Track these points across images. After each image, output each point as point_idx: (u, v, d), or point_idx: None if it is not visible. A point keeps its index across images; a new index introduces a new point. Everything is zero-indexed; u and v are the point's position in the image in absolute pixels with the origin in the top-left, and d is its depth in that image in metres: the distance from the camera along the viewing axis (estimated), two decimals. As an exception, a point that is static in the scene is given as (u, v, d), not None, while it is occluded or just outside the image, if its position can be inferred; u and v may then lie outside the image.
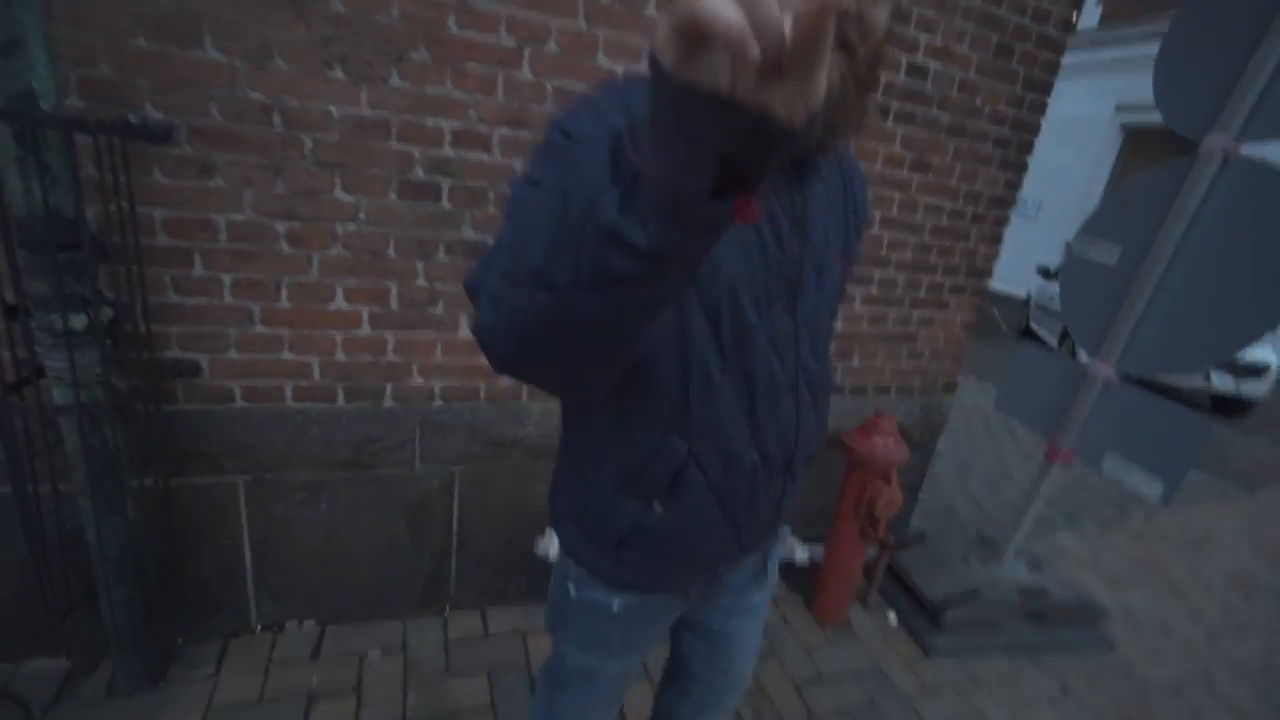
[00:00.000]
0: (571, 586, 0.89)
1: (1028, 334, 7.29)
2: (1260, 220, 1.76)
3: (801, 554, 2.20)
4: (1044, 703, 1.98)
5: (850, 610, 2.22)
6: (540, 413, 1.82)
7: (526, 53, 1.49)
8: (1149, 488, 1.93)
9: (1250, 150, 1.78)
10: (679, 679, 1.12)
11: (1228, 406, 5.69)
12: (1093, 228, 2.17)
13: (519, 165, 1.58)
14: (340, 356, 1.60)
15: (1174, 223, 1.90)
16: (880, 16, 0.58)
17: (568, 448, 0.86)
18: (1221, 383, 5.38)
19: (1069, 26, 2.15)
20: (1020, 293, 9.74)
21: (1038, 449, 4.00)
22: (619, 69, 1.57)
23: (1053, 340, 6.52)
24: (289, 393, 1.60)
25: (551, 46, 1.51)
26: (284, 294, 1.51)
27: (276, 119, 1.38)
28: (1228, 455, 4.76)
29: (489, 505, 1.87)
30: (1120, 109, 9.28)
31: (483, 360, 1.70)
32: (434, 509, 1.82)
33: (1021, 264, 8.94)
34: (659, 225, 0.38)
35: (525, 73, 1.51)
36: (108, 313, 1.33)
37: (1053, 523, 3.22)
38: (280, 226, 1.46)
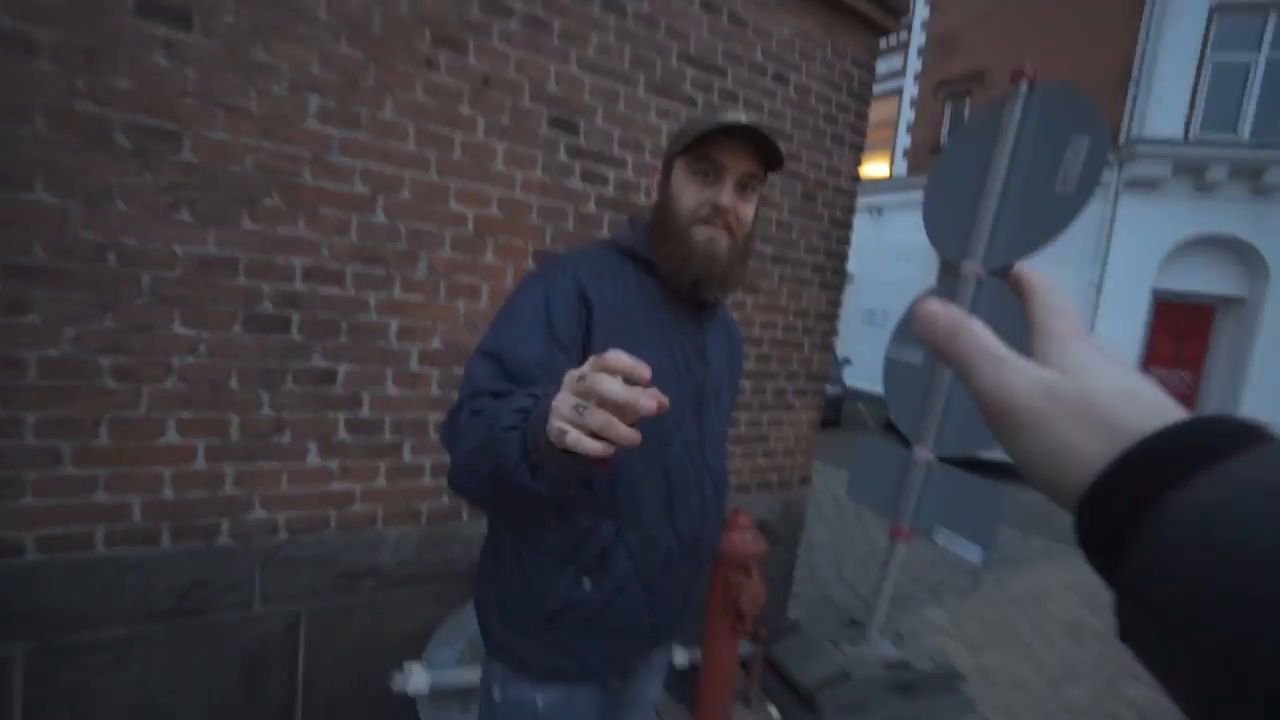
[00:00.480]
0: (496, 690, 0.96)
1: (890, 427, 8.07)
2: (1008, 324, 2.19)
3: (680, 656, 2.19)
4: (916, 783, 2.03)
5: (734, 710, 2.21)
6: (397, 538, 1.77)
7: (380, 199, 1.62)
8: (970, 553, 2.18)
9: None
10: None
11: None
12: (900, 335, 2.57)
13: (372, 298, 1.65)
14: (168, 494, 1.50)
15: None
16: (748, 211, 0.91)
17: (498, 545, 0.97)
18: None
19: (856, 180, 2.66)
20: (878, 389, 10.83)
21: (900, 531, 4.34)
22: (469, 213, 1.73)
23: (907, 440, 7.25)
24: (100, 538, 1.45)
25: (405, 194, 1.65)
26: (103, 431, 1.42)
27: (111, 257, 1.37)
28: (1055, 519, 5.40)
29: (340, 644, 1.74)
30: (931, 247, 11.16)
31: (334, 487, 1.67)
32: (275, 654, 1.66)
33: (879, 365, 10.08)
34: (551, 485, 0.64)
35: (379, 216, 1.63)
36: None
37: (919, 599, 3.44)
38: (105, 361, 1.40)
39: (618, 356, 0.51)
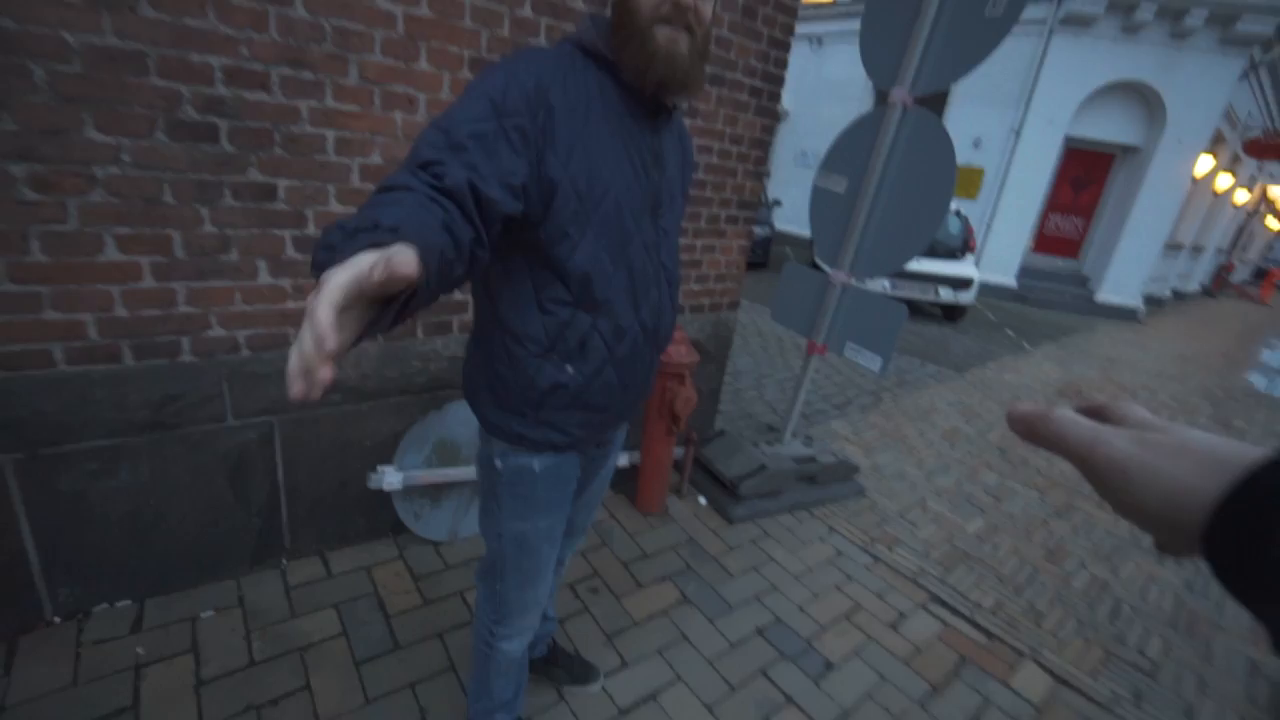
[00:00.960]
0: (498, 461, 1.11)
1: (815, 267, 8.48)
2: (925, 155, 2.34)
3: (623, 459, 2.52)
4: (816, 541, 2.54)
5: (668, 501, 2.61)
6: (355, 354, 1.86)
7: (297, -12, 1.48)
8: (872, 363, 2.53)
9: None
10: None
11: (951, 313, 7.22)
12: (827, 164, 2.68)
13: (304, 106, 1.57)
14: (121, 312, 1.50)
15: (877, 158, 2.44)
16: (707, 9, 0.91)
17: (486, 342, 1.05)
18: (946, 295, 6.80)
19: (798, -5, 2.57)
20: (808, 233, 11.15)
21: (817, 359, 4.83)
22: (398, 11, 1.61)
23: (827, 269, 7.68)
24: (60, 355, 1.46)
25: (324, -17, 1.51)
26: (34, 247, 1.38)
27: (-6, 45, 1.23)
28: (949, 349, 6.11)
29: (315, 451, 1.89)
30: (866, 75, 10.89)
31: (289, 305, 1.71)
32: (255, 462, 1.80)
33: (807, 208, 10.27)
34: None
35: (299, 10, 1.49)
36: None
37: (827, 413, 3.96)
38: (17, 169, 1.32)
39: (322, 314, 0.42)
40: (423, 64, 1.70)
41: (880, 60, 2.44)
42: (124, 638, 1.63)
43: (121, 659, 1.57)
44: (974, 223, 8.92)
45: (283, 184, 1.60)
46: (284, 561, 1.95)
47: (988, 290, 9.48)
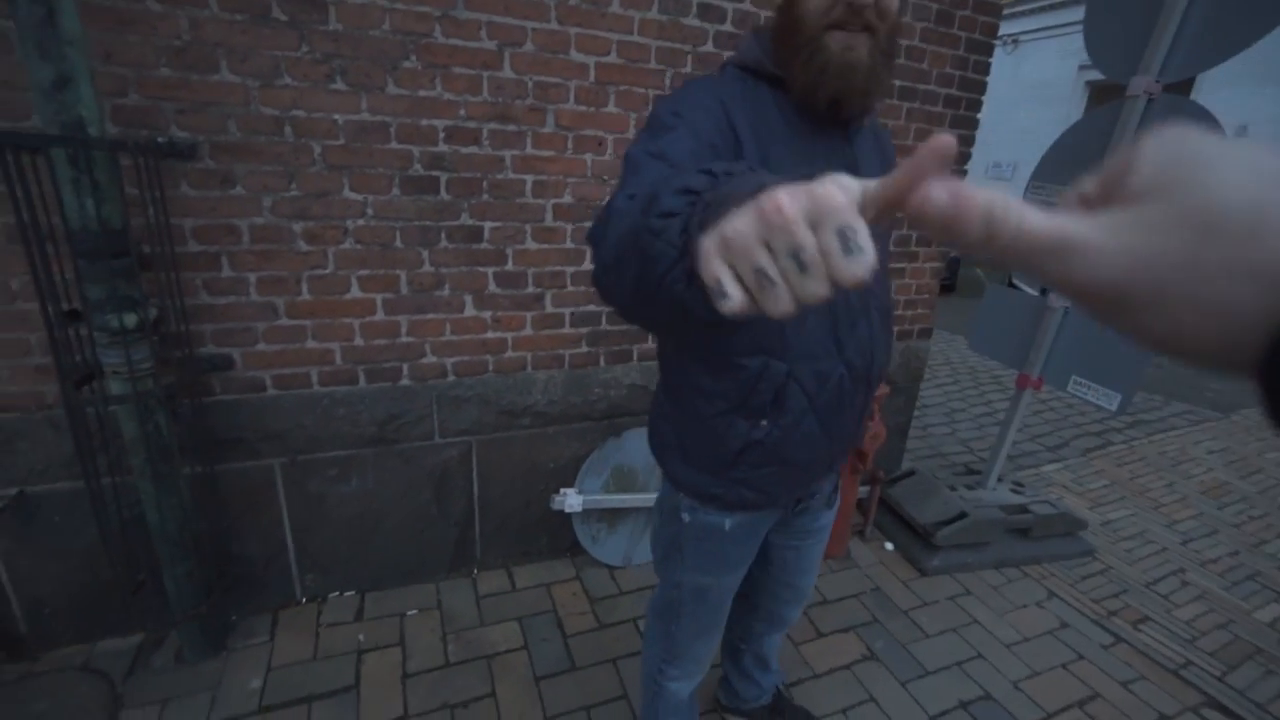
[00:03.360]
0: (685, 515, 1.05)
1: (1012, 288, 7.49)
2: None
3: (798, 496, 2.37)
4: (1031, 606, 2.15)
5: (850, 543, 2.39)
6: (545, 381, 1.99)
7: (506, 53, 1.65)
8: (1108, 401, 2.11)
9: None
10: (773, 588, 1.28)
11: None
12: (1042, 174, 2.34)
13: (508, 156, 1.74)
14: (359, 341, 1.77)
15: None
16: (893, 3, 0.79)
17: (673, 392, 1.00)
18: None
19: (1001, -11, 2.32)
20: (1001, 254, 9.93)
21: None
22: (590, 62, 1.73)
23: (1034, 292, 6.71)
24: (315, 378, 1.76)
25: (528, 46, 1.67)
26: (304, 288, 1.68)
27: (288, 129, 1.54)
28: (1204, 384, 4.95)
29: (506, 470, 2.04)
30: (1083, 68, 9.51)
31: (489, 335, 1.88)
32: (455, 478, 1.99)
33: (1000, 225, 9.14)
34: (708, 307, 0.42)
35: (507, 71, 1.67)
36: (153, 313, 1.49)
37: (1038, 456, 3.39)
38: (297, 226, 1.62)
39: (836, 196, 0.31)
40: (610, 107, 1.80)
41: (1113, 46, 2.09)
42: (350, 624, 1.87)
43: (348, 643, 1.80)
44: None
45: (488, 226, 1.78)
46: (475, 571, 2.12)
47: (1259, 312, 7.58)
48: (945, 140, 0.27)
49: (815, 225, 0.31)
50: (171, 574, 1.62)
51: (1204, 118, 1.88)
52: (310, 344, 1.73)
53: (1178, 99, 1.95)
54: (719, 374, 0.91)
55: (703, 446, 0.97)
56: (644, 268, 0.48)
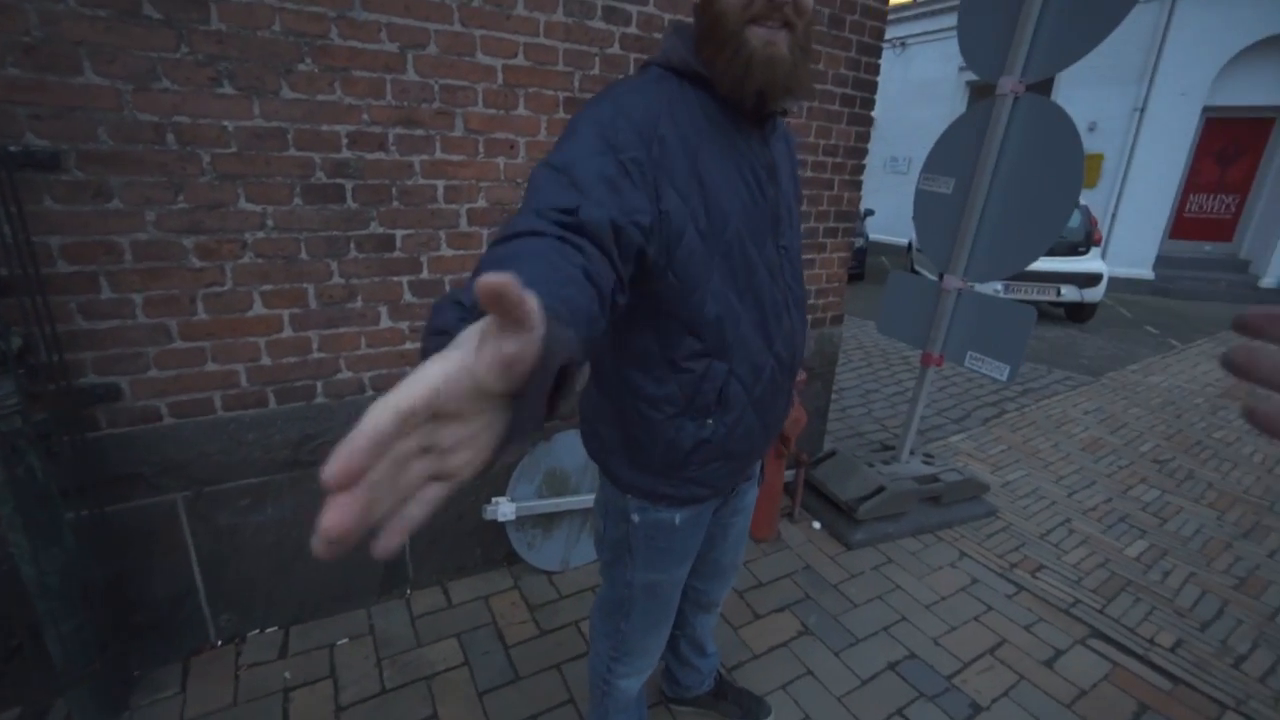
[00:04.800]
0: (635, 515, 1.06)
1: (914, 274, 8.03)
2: (1043, 145, 2.15)
3: (730, 485, 2.44)
4: (946, 567, 2.32)
5: (779, 526, 2.49)
6: (471, 389, 1.95)
7: (409, 56, 1.60)
8: (999, 372, 2.31)
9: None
10: (701, 568, 1.30)
11: (1078, 312, 6.54)
12: (931, 165, 2.53)
13: (417, 161, 1.69)
14: (266, 360, 1.66)
15: (987, 153, 2.27)
16: (809, 0, 0.80)
17: (614, 399, 0.99)
18: (1069, 293, 6.18)
19: (886, -3, 2.48)
20: (903, 241, 10.62)
21: (927, 372, 4.51)
22: (497, 64, 1.71)
23: (934, 277, 7.23)
24: (218, 403, 1.64)
25: (432, 48, 1.62)
26: (200, 306, 1.56)
27: (170, 137, 1.42)
28: (1079, 352, 5.51)
29: (435, 484, 1.98)
30: (962, 69, 10.33)
31: (407, 347, 1.82)
32: (382, 496, 1.90)
33: (902, 215, 9.79)
34: None
35: (410, 74, 1.62)
36: (16, 342, 1.34)
37: (945, 428, 3.67)
38: (188, 241, 1.50)
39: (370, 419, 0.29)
40: (521, 110, 1.78)
41: (984, 49, 2.29)
42: (274, 662, 1.76)
43: (272, 682, 1.69)
44: (1097, 213, 8.10)
45: (400, 234, 1.72)
46: (408, 591, 2.04)
47: (1119, 285, 8.52)
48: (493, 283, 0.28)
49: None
50: (56, 633, 1.46)
51: (1059, 114, 2.10)
52: (210, 366, 1.61)
53: (1038, 98, 2.16)
54: (664, 380, 0.93)
55: (652, 450, 0.98)
56: None
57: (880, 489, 2.49)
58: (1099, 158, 8.97)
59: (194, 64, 1.41)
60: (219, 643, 1.80)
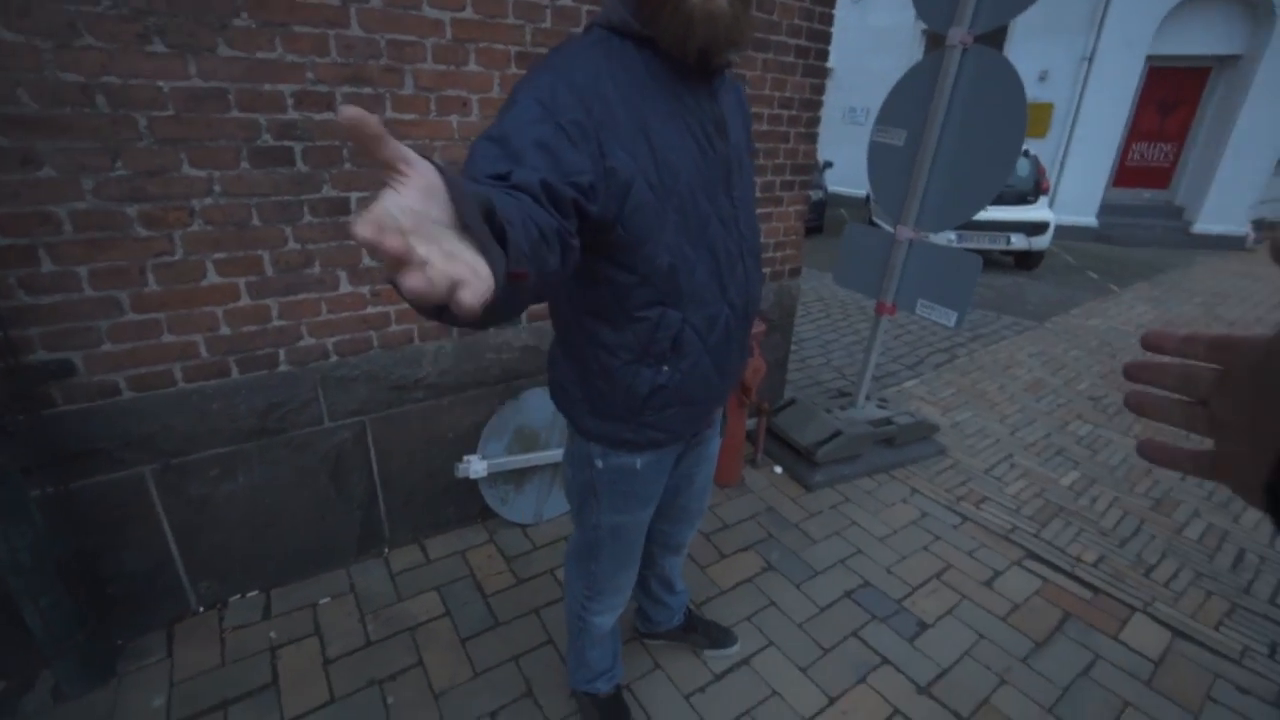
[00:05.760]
0: (598, 461, 1.12)
1: (872, 226, 8.17)
2: (990, 96, 2.21)
3: (695, 435, 2.54)
4: (898, 503, 2.49)
5: (743, 472, 2.62)
6: (434, 352, 1.96)
7: (352, 9, 1.55)
8: (948, 319, 2.43)
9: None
10: (669, 513, 1.38)
11: (1026, 259, 6.80)
12: (884, 117, 2.58)
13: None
14: (225, 330, 1.64)
15: (937, 105, 2.32)
16: None
17: (573, 350, 1.04)
18: (1018, 241, 6.41)
19: (838, -60, 2.47)
20: (862, 193, 10.73)
21: (883, 322, 4.67)
22: (445, 17, 1.66)
23: (891, 228, 7.38)
24: (179, 374, 1.62)
25: (376, 2, 1.57)
26: (150, 277, 1.52)
27: (100, 99, 1.36)
28: (1026, 298, 5.76)
29: (405, 446, 2.01)
30: (918, 17, 10.29)
31: (369, 311, 1.82)
32: (352, 459, 1.93)
33: (860, 167, 9.86)
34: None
35: (355, 29, 1.57)
36: (-41, 322, 1.30)
37: (899, 375, 3.83)
38: (130, 210, 1.46)
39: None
40: (472, 66, 1.75)
41: (933, 1, 2.31)
42: (258, 624, 1.80)
43: (258, 642, 1.74)
44: (1045, 162, 8.33)
45: (354, 196, 1.69)
46: (386, 550, 2.09)
47: (1065, 232, 8.84)
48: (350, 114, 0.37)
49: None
50: (33, 608, 1.47)
51: (1005, 66, 2.15)
52: (168, 338, 1.59)
53: (985, 49, 2.21)
54: (620, 328, 0.96)
55: (611, 397, 1.03)
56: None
57: (837, 433, 2.62)
58: (1048, 107, 9.16)
59: (119, 19, 1.34)
60: (200, 609, 1.83)
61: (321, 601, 1.88)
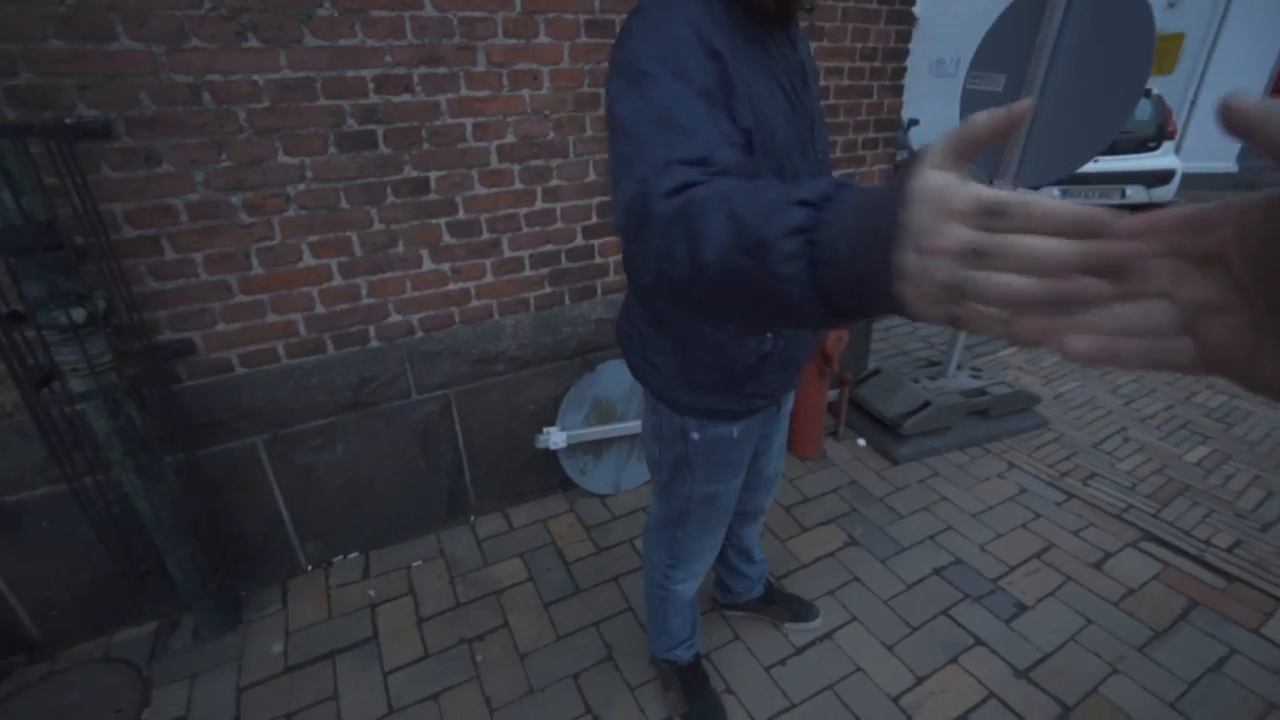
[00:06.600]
0: (695, 434, 1.11)
1: (961, 189, 7.58)
2: (1107, 27, 1.97)
3: (772, 408, 2.48)
4: (993, 478, 2.33)
5: (825, 444, 2.53)
6: (513, 326, 2.01)
7: (422, -13, 1.57)
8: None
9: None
10: (747, 480, 1.35)
11: (1145, 216, 6.10)
12: (979, 62, 2.36)
13: (443, 100, 1.69)
14: (320, 309, 1.75)
15: (1044, 40, 2.09)
16: None
17: (667, 327, 1.02)
18: (1135, 194, 5.76)
19: None
20: (950, 152, 9.98)
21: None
22: (512, -12, 1.66)
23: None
24: (282, 351, 1.75)
25: (444, -23, 1.59)
26: (254, 261, 1.64)
27: (206, 96, 1.46)
28: (1146, 258, 5.18)
29: (487, 417, 2.09)
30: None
31: (450, 288, 1.87)
32: (438, 431, 2.03)
33: (951, 123, 9.15)
34: (849, 316, 0.44)
35: (429, 9, 1.59)
36: (100, 305, 1.45)
37: (995, 343, 3.57)
38: (235, 199, 1.57)
39: (1052, 208, 0.29)
40: (542, 38, 1.74)
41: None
42: (359, 582, 1.95)
43: (359, 599, 1.88)
44: (1173, 103, 7.39)
45: (433, 175, 1.74)
46: (472, 518, 2.19)
47: (1198, 181, 7.84)
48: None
49: (989, 251, 0.31)
50: (174, 559, 1.66)
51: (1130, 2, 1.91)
52: (271, 318, 1.71)
53: (1099, -26, 1.96)
54: None
55: (715, 370, 1.02)
56: (761, 301, 0.47)
57: (925, 404, 2.48)
58: (1178, 38, 8.08)
59: (219, 19, 1.42)
60: (309, 567, 2.00)
61: (415, 564, 2.00)
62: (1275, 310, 0.27)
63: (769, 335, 0.98)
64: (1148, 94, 5.91)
